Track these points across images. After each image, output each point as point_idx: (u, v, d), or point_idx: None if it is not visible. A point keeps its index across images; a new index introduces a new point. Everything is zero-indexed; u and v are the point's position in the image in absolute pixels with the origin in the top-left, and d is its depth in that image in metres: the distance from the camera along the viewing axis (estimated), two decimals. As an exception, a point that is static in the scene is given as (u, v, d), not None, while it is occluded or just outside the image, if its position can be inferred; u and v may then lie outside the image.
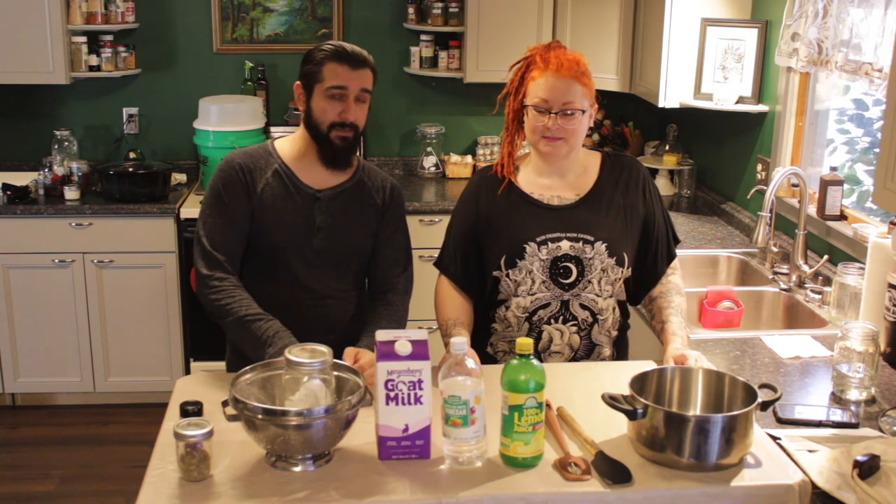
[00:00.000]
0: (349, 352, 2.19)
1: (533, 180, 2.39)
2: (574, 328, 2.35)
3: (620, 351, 2.46)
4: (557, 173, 2.37)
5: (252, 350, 2.24)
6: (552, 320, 2.34)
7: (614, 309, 2.40)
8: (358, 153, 2.49)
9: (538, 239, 2.32)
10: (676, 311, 2.35)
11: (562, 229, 2.33)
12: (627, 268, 2.37)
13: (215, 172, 2.40)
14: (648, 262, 2.41)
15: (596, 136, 4.84)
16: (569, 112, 2.26)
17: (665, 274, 2.43)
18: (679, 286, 2.44)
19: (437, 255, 2.49)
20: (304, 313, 2.38)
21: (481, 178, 2.44)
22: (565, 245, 2.32)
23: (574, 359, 2.38)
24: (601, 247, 2.32)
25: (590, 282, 2.33)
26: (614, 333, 2.42)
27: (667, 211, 2.47)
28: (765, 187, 3.17)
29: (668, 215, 2.47)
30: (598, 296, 2.34)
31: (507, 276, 2.34)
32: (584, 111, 2.28)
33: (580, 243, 2.32)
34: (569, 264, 2.32)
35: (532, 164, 2.40)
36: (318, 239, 2.38)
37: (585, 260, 2.32)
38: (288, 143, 2.44)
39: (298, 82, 2.37)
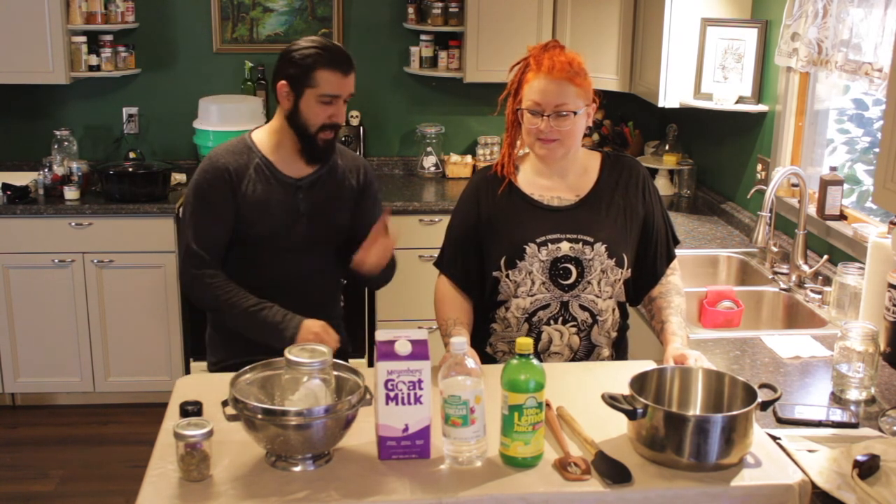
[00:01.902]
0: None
1: (533, 181, 2.38)
2: (574, 329, 2.35)
3: (620, 352, 2.46)
4: (557, 174, 2.37)
5: (264, 335, 2.35)
6: (552, 321, 2.34)
7: (614, 310, 2.39)
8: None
9: (538, 240, 2.32)
10: (676, 311, 2.35)
11: (561, 230, 2.33)
12: (627, 269, 2.37)
13: (199, 172, 2.48)
14: (648, 263, 2.41)
15: (596, 136, 4.84)
16: (563, 113, 2.24)
17: (664, 274, 2.43)
18: (678, 286, 2.44)
19: (436, 255, 2.49)
20: (290, 293, 2.45)
21: (481, 178, 2.43)
22: (565, 246, 2.32)
23: (573, 360, 2.38)
24: (601, 248, 2.32)
25: (589, 283, 2.33)
26: (614, 335, 2.42)
27: (666, 211, 2.47)
28: (765, 187, 3.17)
29: (667, 216, 2.47)
30: (597, 297, 2.34)
31: (507, 276, 2.33)
32: (577, 112, 2.26)
33: (580, 244, 2.32)
34: (569, 265, 2.32)
35: (532, 164, 2.40)
36: (301, 225, 2.47)
37: (585, 261, 2.32)
38: (266, 135, 2.50)
39: (284, 81, 2.40)
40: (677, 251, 2.51)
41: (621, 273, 2.35)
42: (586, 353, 2.38)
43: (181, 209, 2.49)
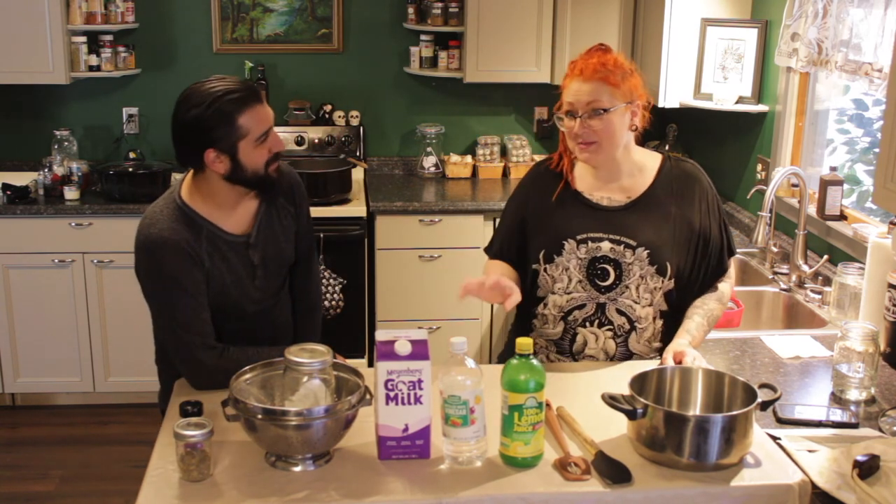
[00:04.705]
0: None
1: (586, 178, 2.36)
2: (609, 333, 2.31)
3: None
4: (608, 174, 2.33)
5: None
6: (587, 323, 2.31)
7: (655, 319, 2.32)
8: None
9: (578, 237, 2.29)
10: (705, 313, 2.30)
11: (605, 230, 2.29)
12: (669, 278, 2.29)
13: (154, 254, 2.18)
14: (701, 277, 2.34)
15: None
16: (597, 112, 2.21)
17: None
18: (723, 294, 2.36)
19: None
20: (250, 336, 2.33)
21: (537, 172, 2.43)
22: (605, 246, 2.29)
23: None
24: (642, 253, 2.27)
25: (627, 287, 2.28)
26: (656, 345, 2.34)
27: (725, 223, 2.38)
28: (765, 187, 3.17)
29: (726, 228, 2.38)
30: (635, 302, 2.29)
31: (545, 270, 2.32)
32: (609, 109, 2.21)
33: (621, 247, 2.28)
34: (606, 266, 2.28)
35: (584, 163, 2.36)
36: (258, 278, 2.34)
37: (624, 264, 2.28)
38: (198, 197, 2.26)
39: (210, 150, 2.16)
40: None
41: (662, 281, 2.29)
42: (623, 360, 2.32)
43: (148, 300, 2.27)
